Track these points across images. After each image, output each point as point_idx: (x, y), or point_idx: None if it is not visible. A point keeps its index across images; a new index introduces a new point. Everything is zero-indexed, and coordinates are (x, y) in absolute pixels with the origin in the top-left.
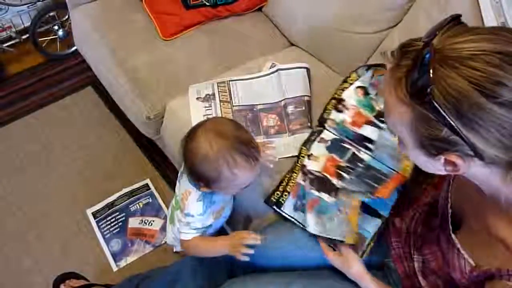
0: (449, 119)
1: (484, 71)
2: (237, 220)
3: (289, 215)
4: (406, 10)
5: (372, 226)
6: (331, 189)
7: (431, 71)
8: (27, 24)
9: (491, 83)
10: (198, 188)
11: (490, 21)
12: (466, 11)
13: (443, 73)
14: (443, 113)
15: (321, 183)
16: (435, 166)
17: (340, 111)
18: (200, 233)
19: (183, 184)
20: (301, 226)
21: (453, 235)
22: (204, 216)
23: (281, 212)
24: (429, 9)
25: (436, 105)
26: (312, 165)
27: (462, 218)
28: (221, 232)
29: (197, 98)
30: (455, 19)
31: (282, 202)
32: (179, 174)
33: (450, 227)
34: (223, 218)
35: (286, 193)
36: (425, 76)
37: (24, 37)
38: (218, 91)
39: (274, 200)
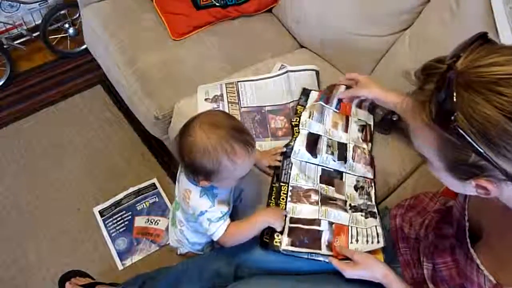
0: (476, 146)
1: (511, 97)
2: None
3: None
4: (418, 13)
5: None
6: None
7: (454, 95)
8: (38, 21)
9: None
10: (196, 183)
11: (503, 26)
12: (478, 16)
13: (468, 98)
14: (469, 139)
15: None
16: (466, 189)
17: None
18: (227, 220)
19: (182, 184)
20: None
21: (472, 250)
22: (216, 207)
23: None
24: (441, 13)
25: (461, 131)
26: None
27: (481, 233)
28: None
29: (206, 99)
30: (481, 38)
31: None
32: (177, 175)
33: (469, 241)
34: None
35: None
36: (449, 101)
37: (34, 34)
38: (227, 92)
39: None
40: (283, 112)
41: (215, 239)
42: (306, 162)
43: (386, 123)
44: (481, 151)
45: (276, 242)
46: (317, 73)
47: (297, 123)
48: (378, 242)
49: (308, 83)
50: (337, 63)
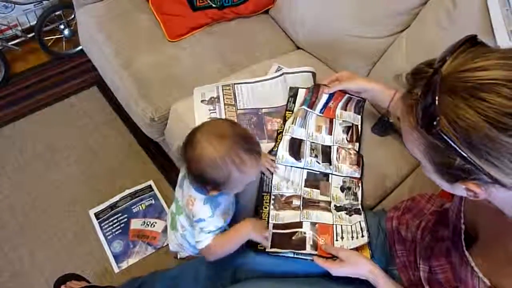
0: (459, 150)
1: (494, 103)
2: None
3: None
4: (414, 15)
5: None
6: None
7: (437, 100)
8: (33, 22)
9: (502, 114)
10: (205, 193)
11: (499, 28)
12: (475, 18)
13: (452, 103)
14: (452, 144)
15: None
16: (457, 191)
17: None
18: (215, 235)
19: (186, 190)
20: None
21: (466, 253)
22: (214, 218)
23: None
24: (437, 15)
25: (445, 136)
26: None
27: (477, 235)
28: None
29: (202, 101)
30: (469, 41)
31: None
32: (179, 179)
33: (463, 244)
34: (229, 218)
35: None
36: (432, 106)
37: (29, 35)
38: (223, 94)
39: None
40: (280, 114)
41: (198, 247)
42: (291, 166)
43: (382, 125)
44: (465, 155)
45: (260, 246)
46: (314, 74)
47: (281, 130)
48: (362, 236)
49: (305, 85)
50: (333, 65)
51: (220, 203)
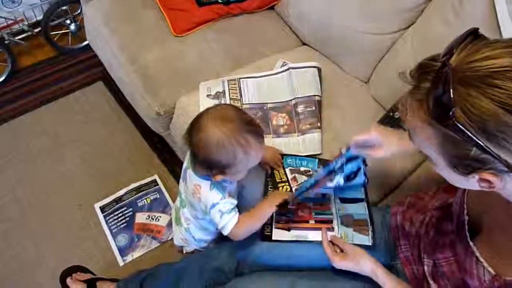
0: (476, 139)
1: (507, 88)
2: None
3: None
4: (420, 12)
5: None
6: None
7: (451, 91)
8: (40, 17)
9: None
10: (210, 178)
11: (507, 25)
12: (481, 15)
13: (465, 93)
14: (469, 134)
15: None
16: (470, 184)
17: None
18: (237, 213)
19: (190, 179)
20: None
21: (471, 243)
22: (226, 199)
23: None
24: (443, 11)
25: (461, 126)
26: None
27: (481, 226)
28: None
29: (208, 95)
30: (472, 34)
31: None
32: (182, 172)
33: (468, 235)
34: None
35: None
36: (446, 97)
37: (36, 30)
38: (229, 89)
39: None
40: (285, 109)
41: (226, 232)
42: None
43: (389, 120)
44: (482, 144)
45: (267, 232)
46: (319, 70)
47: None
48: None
49: (310, 80)
50: (338, 61)
51: (226, 187)
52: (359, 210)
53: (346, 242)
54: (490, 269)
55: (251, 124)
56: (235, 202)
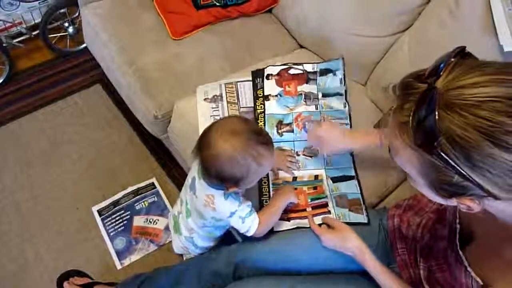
0: (459, 168)
1: (494, 121)
2: None
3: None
4: (417, 14)
5: None
6: None
7: (436, 118)
8: (38, 20)
9: (502, 133)
10: (225, 190)
11: (502, 28)
12: (477, 18)
13: (450, 121)
14: (452, 163)
15: None
16: (449, 202)
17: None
18: (255, 213)
19: (202, 189)
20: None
21: (461, 252)
22: (243, 204)
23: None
24: (440, 14)
25: (444, 155)
26: None
27: (472, 235)
28: (227, 235)
29: (205, 99)
30: (459, 53)
31: None
32: (189, 182)
33: (458, 244)
34: None
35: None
36: (430, 124)
37: (34, 33)
38: (226, 92)
39: None
40: None
41: (250, 234)
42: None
43: (386, 124)
44: (464, 174)
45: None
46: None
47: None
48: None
49: None
50: None
51: (239, 192)
52: (352, 188)
53: (336, 219)
54: (478, 279)
55: (260, 134)
56: (250, 203)
